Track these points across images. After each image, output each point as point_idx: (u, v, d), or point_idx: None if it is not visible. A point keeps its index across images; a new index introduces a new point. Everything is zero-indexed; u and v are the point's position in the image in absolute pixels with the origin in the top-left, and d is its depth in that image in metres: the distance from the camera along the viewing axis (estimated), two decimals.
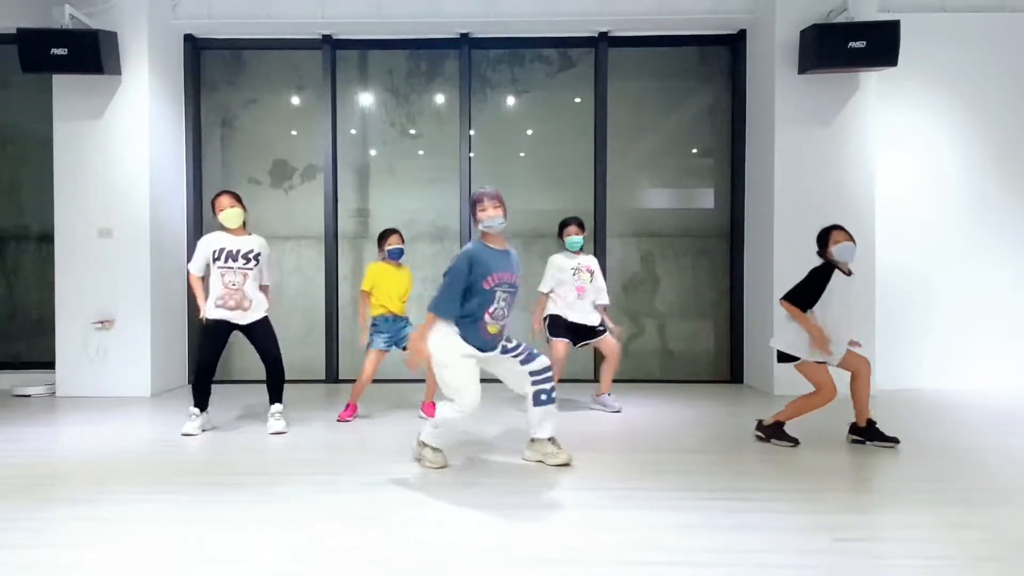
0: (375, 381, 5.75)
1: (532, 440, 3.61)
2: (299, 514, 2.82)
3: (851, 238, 3.84)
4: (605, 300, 4.95)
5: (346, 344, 6.25)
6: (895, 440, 3.86)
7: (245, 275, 4.17)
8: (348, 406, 4.65)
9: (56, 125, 5.53)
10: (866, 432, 3.94)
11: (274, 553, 2.44)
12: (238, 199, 4.26)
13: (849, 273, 3.88)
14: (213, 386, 4.31)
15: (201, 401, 4.25)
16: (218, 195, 4.26)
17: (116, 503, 2.96)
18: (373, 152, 6.38)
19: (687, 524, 2.70)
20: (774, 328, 5.42)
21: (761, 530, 2.64)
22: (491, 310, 3.34)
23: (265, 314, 4.28)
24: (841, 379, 3.91)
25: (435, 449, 3.56)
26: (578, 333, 4.86)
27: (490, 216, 3.40)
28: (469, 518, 2.78)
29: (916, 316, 5.84)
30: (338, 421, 4.54)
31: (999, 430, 4.34)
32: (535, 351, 3.56)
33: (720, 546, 2.48)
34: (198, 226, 6.14)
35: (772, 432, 3.97)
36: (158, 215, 5.63)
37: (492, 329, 3.37)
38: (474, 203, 3.47)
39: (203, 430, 4.26)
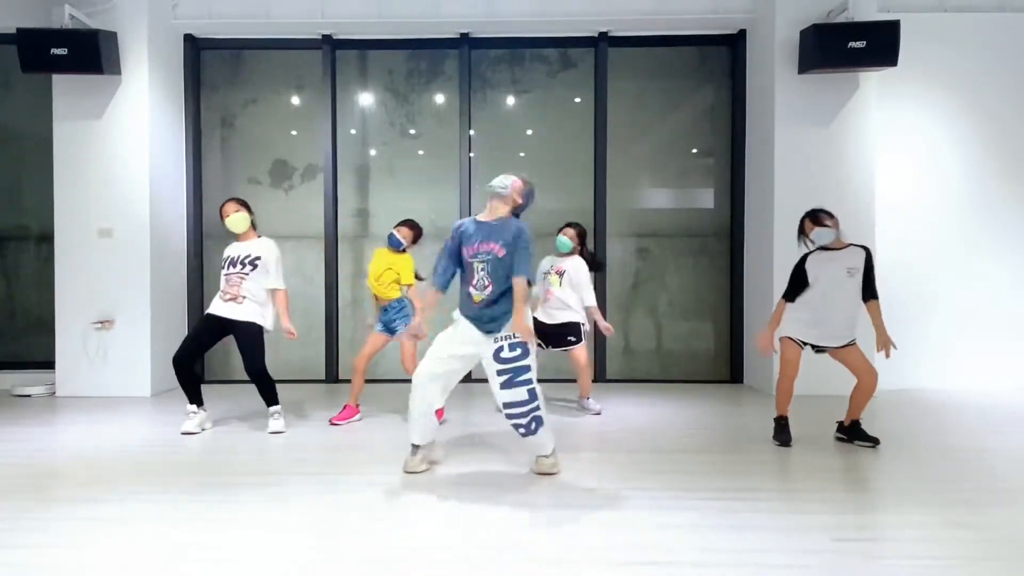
0: (375, 381, 5.77)
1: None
2: (298, 514, 2.82)
3: (822, 223, 3.83)
4: (590, 301, 4.78)
5: (346, 344, 6.25)
6: (875, 440, 3.87)
7: (242, 279, 4.20)
8: (345, 408, 4.57)
9: (56, 125, 5.53)
10: (849, 431, 3.97)
11: (274, 553, 2.44)
12: (243, 204, 4.30)
13: (842, 247, 3.86)
14: (216, 386, 4.31)
15: (191, 394, 4.25)
16: (224, 202, 4.32)
17: (116, 503, 2.96)
18: (373, 152, 6.38)
19: (687, 524, 2.70)
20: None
21: (761, 530, 2.64)
22: (473, 281, 3.35)
23: (254, 320, 4.19)
24: (839, 379, 3.92)
25: (415, 449, 3.46)
26: (547, 336, 4.76)
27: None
28: (469, 518, 2.78)
29: (916, 316, 5.83)
30: (331, 424, 4.46)
31: (999, 430, 4.34)
32: (523, 376, 3.31)
33: (720, 546, 2.48)
34: (198, 226, 6.15)
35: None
36: (158, 215, 5.63)
37: (476, 298, 3.34)
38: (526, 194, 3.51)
39: (202, 428, 4.27)
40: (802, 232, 3.96)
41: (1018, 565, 2.35)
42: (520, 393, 3.29)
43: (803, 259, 3.94)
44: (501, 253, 3.30)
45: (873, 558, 2.40)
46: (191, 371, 4.24)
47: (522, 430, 3.35)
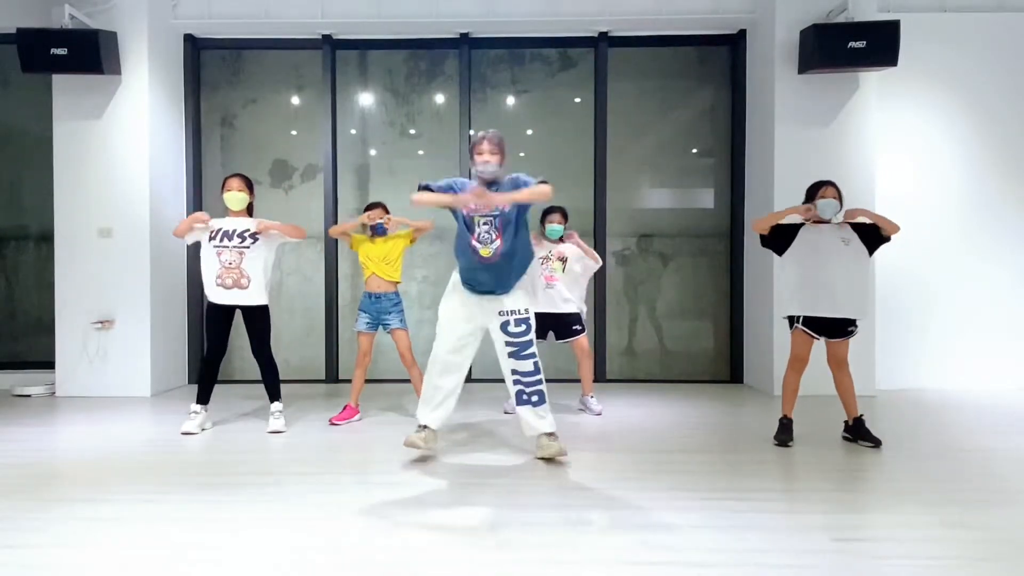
0: (375, 381, 5.77)
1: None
2: (298, 514, 2.82)
3: (839, 197, 3.92)
4: (598, 259, 4.86)
5: (346, 344, 6.25)
6: (877, 441, 3.84)
7: (242, 254, 4.13)
8: (345, 408, 4.57)
9: (56, 125, 5.52)
10: (854, 430, 3.96)
11: (273, 553, 2.44)
12: (247, 186, 4.24)
13: (829, 221, 3.94)
14: (215, 386, 4.30)
15: (204, 393, 4.25)
16: (230, 176, 4.26)
17: (116, 503, 2.96)
18: (373, 152, 6.38)
19: (687, 524, 2.69)
20: (774, 320, 5.44)
21: (761, 530, 2.63)
22: (475, 235, 3.37)
23: (263, 303, 4.21)
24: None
25: (420, 428, 3.53)
26: (548, 325, 4.74)
27: (484, 161, 3.43)
28: (468, 518, 2.78)
29: (916, 316, 5.84)
30: (330, 424, 4.46)
31: (999, 430, 4.34)
32: (528, 350, 3.44)
33: (720, 546, 2.48)
34: None
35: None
36: (158, 215, 5.63)
37: (485, 252, 3.34)
38: (473, 145, 3.49)
39: (203, 428, 4.27)
40: (811, 198, 3.97)
41: (1018, 565, 2.35)
42: (527, 365, 3.44)
43: (801, 223, 3.98)
44: (506, 207, 3.37)
45: (873, 558, 2.39)
46: (217, 370, 4.28)
47: (524, 397, 3.45)
